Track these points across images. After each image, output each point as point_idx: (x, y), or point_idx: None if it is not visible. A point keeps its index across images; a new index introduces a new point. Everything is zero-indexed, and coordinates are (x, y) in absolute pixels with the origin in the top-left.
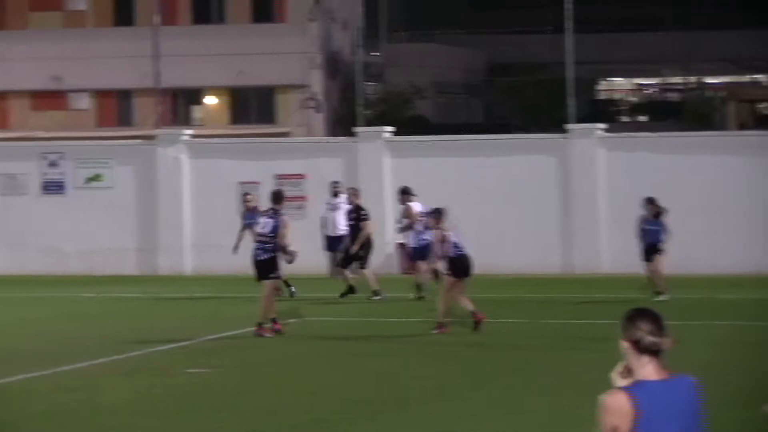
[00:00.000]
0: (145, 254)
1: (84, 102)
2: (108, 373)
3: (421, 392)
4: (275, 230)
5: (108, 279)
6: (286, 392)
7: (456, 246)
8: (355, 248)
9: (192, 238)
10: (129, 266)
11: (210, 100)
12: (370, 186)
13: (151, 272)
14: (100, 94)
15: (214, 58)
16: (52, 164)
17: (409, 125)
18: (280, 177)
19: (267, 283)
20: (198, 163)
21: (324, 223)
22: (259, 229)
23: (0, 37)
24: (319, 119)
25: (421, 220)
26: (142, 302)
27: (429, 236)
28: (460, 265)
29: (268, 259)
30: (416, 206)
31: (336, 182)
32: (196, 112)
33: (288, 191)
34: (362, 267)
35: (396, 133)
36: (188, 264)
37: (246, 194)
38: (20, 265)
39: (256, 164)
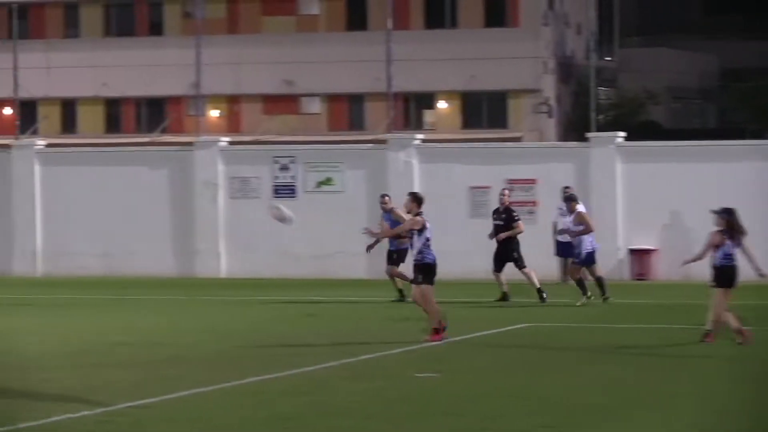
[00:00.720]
0: (376, 258)
1: (316, 106)
2: (339, 377)
3: (647, 400)
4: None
5: (339, 282)
6: (513, 397)
7: (726, 255)
8: (501, 236)
9: None
10: (360, 270)
11: (442, 105)
12: (601, 191)
13: (382, 276)
14: (332, 98)
15: (446, 63)
16: (284, 168)
17: (641, 130)
18: (511, 182)
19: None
20: (429, 167)
21: (555, 228)
22: (428, 234)
23: (233, 42)
24: (550, 124)
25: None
26: (373, 305)
27: (594, 243)
28: (722, 275)
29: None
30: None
31: (567, 187)
32: (428, 116)
33: (519, 196)
34: (521, 267)
35: (628, 139)
36: None
37: (384, 195)
38: (251, 269)
39: (486, 169)
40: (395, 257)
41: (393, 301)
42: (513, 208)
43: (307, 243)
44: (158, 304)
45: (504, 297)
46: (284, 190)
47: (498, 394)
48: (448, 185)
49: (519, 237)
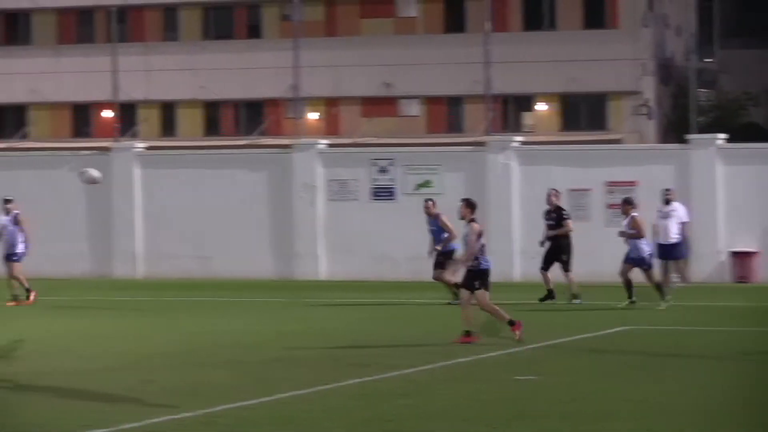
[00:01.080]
0: None
1: (414, 108)
2: (436, 379)
3: (749, 404)
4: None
5: (438, 285)
6: (615, 400)
7: None
8: (549, 234)
9: (521, 244)
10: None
11: (540, 107)
12: (702, 193)
13: None
14: (431, 101)
15: (545, 65)
16: (382, 170)
17: (742, 132)
18: (611, 184)
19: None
20: (528, 169)
21: (656, 230)
22: (484, 240)
23: (331, 44)
24: (650, 126)
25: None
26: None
27: (648, 248)
28: None
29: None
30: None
31: (667, 189)
32: (527, 118)
33: (619, 198)
34: (566, 270)
35: (729, 141)
36: (517, 271)
37: (428, 200)
38: (349, 271)
39: (586, 171)
40: (441, 260)
41: (448, 303)
42: (563, 207)
43: (405, 245)
44: (258, 306)
45: (550, 294)
46: (383, 193)
47: (597, 397)
48: (547, 188)
49: (572, 238)
